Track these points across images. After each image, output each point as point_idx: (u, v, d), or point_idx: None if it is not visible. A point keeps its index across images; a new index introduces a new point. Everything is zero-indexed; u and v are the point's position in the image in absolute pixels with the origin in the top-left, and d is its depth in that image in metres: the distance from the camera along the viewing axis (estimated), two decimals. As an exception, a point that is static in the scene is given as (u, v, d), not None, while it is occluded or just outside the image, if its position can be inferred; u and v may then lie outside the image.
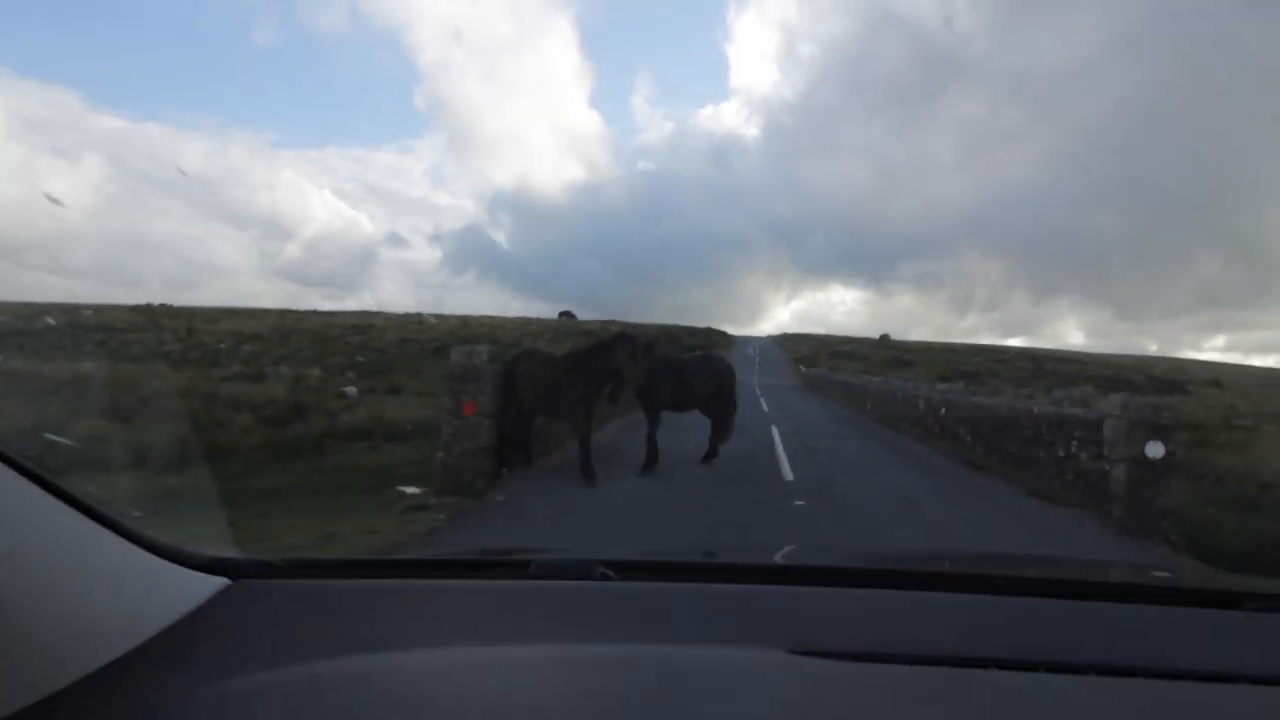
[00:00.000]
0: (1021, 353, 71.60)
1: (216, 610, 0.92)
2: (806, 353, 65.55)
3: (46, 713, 0.68)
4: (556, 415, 9.07)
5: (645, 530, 6.45)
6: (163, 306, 55.17)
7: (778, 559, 1.35)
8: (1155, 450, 7.51)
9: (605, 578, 1.11)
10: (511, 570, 1.17)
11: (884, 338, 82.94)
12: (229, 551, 1.04)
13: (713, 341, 64.87)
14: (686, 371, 9.87)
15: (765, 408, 22.30)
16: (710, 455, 9.98)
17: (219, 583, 0.96)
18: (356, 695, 0.75)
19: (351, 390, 20.09)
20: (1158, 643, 0.97)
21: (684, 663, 0.85)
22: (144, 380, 17.66)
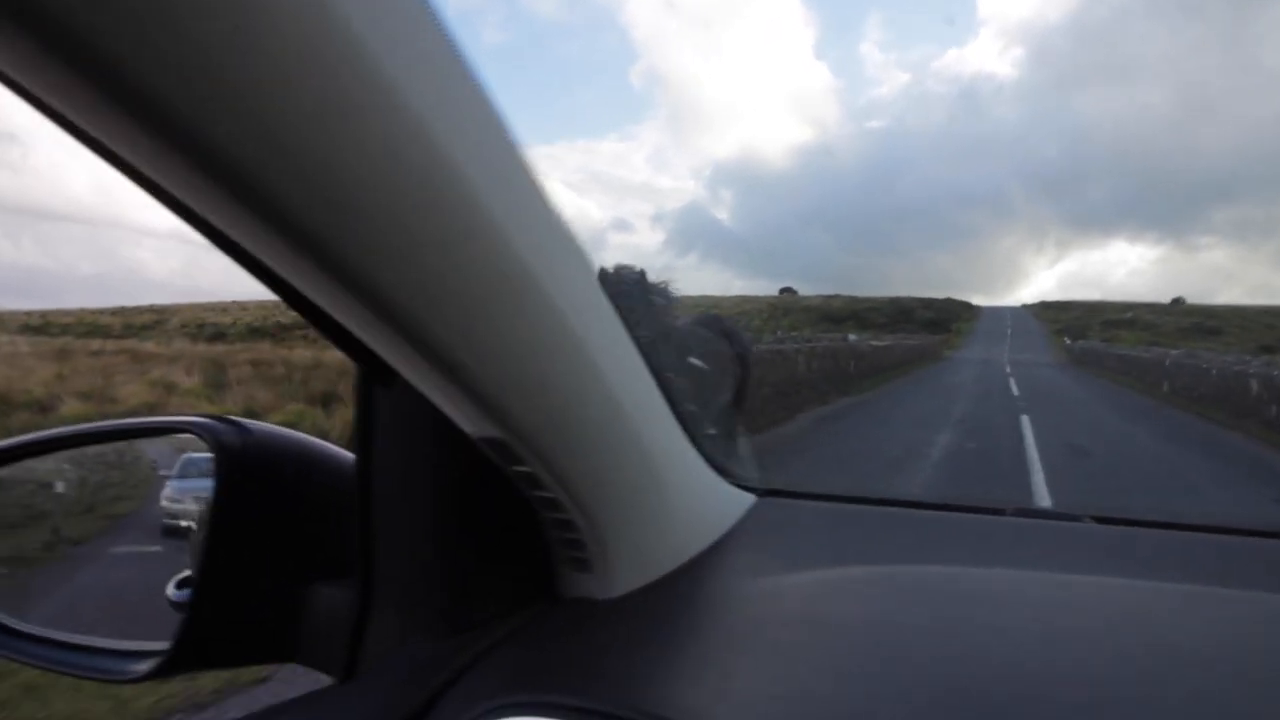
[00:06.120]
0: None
1: (755, 521, 1.04)
2: (1072, 323, 56.59)
3: (655, 593, 0.79)
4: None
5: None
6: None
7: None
8: None
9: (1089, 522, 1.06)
10: (989, 512, 1.13)
11: (1177, 301, 69.29)
12: (750, 475, 1.12)
13: (952, 313, 58.27)
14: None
15: (1015, 390, 18.25)
16: None
17: (750, 498, 1.09)
18: (879, 592, 0.81)
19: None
20: None
21: (1197, 601, 0.78)
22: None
